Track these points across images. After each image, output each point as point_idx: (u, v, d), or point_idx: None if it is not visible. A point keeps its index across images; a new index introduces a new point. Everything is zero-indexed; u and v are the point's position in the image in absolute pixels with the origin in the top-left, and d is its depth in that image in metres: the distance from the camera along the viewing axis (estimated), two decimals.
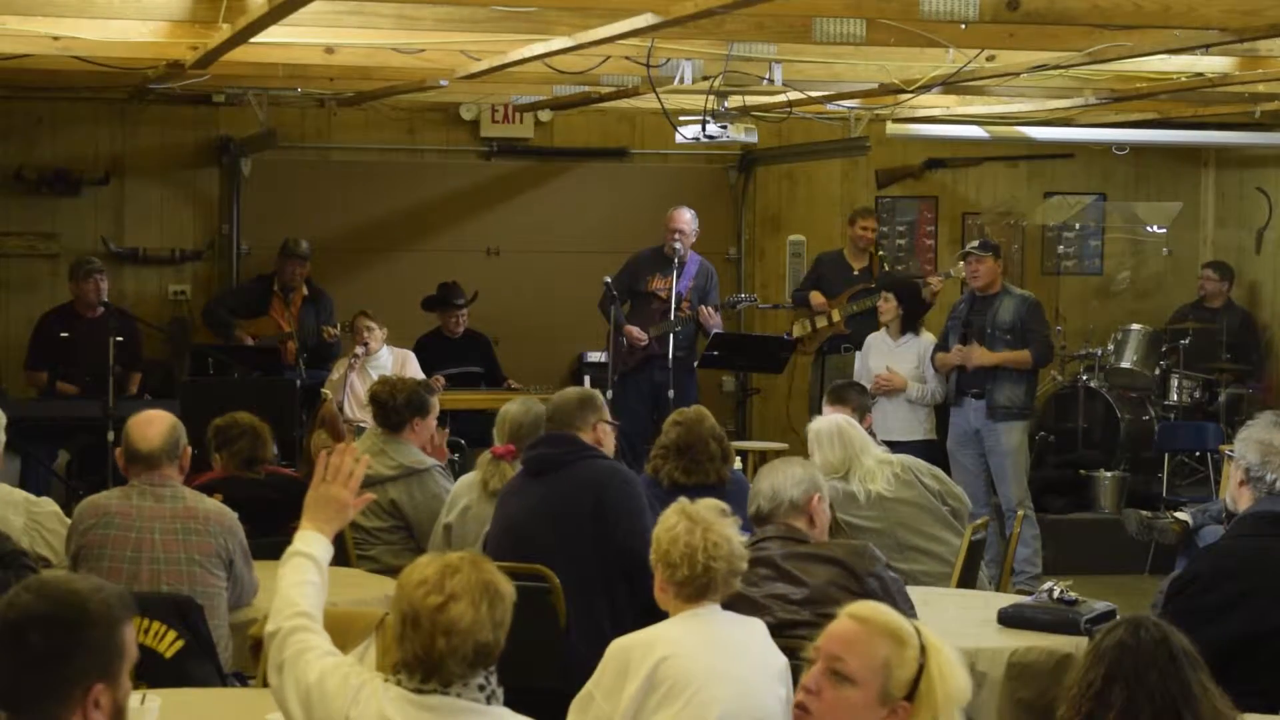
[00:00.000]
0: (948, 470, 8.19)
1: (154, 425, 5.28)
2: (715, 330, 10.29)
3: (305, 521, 3.73)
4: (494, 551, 5.55)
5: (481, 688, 3.27)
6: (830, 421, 6.64)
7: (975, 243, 9.66)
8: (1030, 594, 5.62)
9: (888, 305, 9.60)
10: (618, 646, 4.11)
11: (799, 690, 3.21)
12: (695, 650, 4.05)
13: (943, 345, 9.58)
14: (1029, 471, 9.59)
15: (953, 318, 9.62)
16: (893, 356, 9.56)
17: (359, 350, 9.89)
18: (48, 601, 2.65)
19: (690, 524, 4.16)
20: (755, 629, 4.26)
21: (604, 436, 5.95)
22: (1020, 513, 7.88)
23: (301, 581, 3.61)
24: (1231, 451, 4.96)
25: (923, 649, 3.13)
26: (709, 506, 4.24)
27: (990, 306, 9.36)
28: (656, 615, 4.27)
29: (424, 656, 3.24)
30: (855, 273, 10.65)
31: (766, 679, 4.12)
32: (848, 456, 6.46)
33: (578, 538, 5.56)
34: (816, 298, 10.61)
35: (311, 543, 3.69)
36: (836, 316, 10.50)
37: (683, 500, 4.29)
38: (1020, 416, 9.34)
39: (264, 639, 3.62)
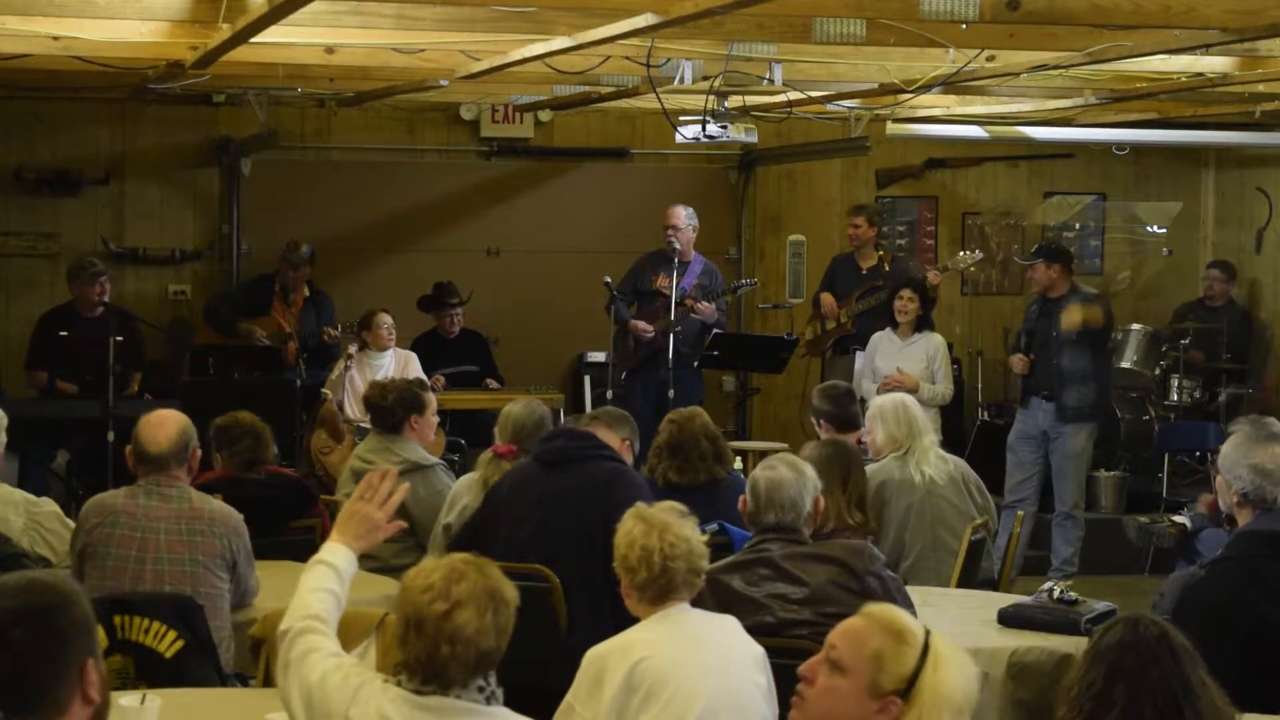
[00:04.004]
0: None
1: (164, 428, 5.27)
2: (713, 321, 10.29)
3: (335, 534, 3.81)
4: (503, 543, 5.55)
5: (481, 689, 3.28)
6: (895, 398, 6.80)
7: (1033, 249, 9.82)
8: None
9: (912, 304, 9.56)
10: (592, 655, 4.12)
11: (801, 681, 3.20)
12: (670, 649, 4.06)
13: (1016, 345, 9.72)
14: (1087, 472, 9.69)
15: (1026, 320, 9.74)
16: (901, 356, 9.52)
17: (351, 349, 9.91)
18: (25, 596, 2.64)
19: (646, 527, 4.18)
20: (726, 623, 4.28)
21: (626, 455, 5.98)
22: (1020, 512, 7.90)
23: (320, 588, 3.66)
24: (1217, 466, 4.87)
25: (925, 648, 3.09)
26: (665, 508, 4.26)
27: (1059, 309, 9.41)
28: None
29: (426, 662, 3.25)
30: (864, 272, 10.66)
31: (744, 668, 4.14)
32: (911, 434, 6.61)
33: (585, 534, 5.56)
34: (826, 299, 10.64)
35: (337, 554, 3.75)
36: (844, 317, 10.52)
37: (639, 505, 4.31)
38: (1090, 418, 9.39)
39: (276, 638, 3.64)
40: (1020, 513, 7.80)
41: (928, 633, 3.13)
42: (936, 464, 6.62)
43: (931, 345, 9.54)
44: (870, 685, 3.07)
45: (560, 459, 5.74)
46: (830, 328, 10.60)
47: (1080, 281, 9.90)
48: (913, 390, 9.30)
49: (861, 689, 3.08)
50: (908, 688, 3.06)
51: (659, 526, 4.17)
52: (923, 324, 9.59)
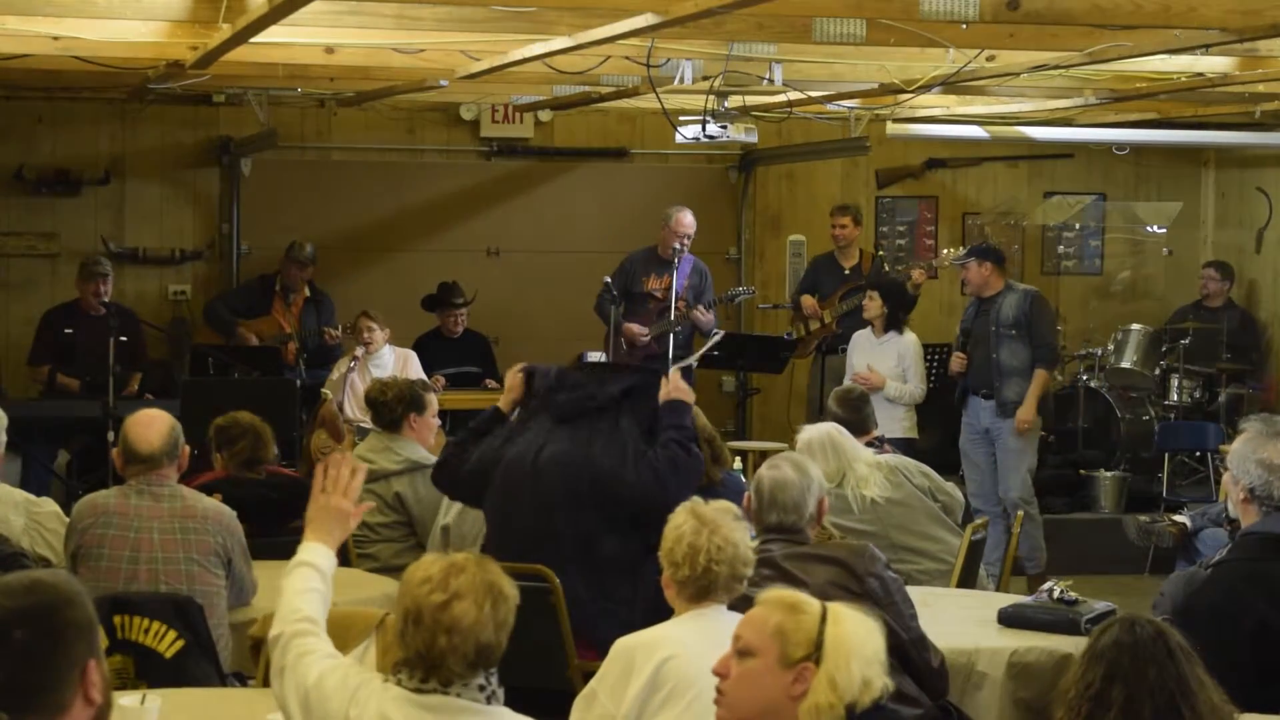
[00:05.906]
0: (940, 468, 8.16)
1: (153, 428, 5.27)
2: (714, 329, 10.29)
3: (309, 534, 3.76)
4: (496, 543, 5.54)
5: (481, 688, 3.26)
6: (821, 430, 6.59)
7: (961, 251, 9.70)
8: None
9: (873, 303, 9.63)
10: (622, 646, 4.12)
11: None
12: (699, 651, 4.03)
13: (956, 346, 9.68)
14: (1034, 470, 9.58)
15: (963, 320, 9.69)
16: (874, 354, 9.60)
17: (358, 351, 9.90)
18: (27, 596, 2.64)
19: (698, 524, 4.15)
20: None
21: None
22: (1020, 511, 7.89)
23: (305, 589, 3.63)
24: (1226, 464, 4.87)
25: (824, 612, 3.24)
26: (720, 509, 4.21)
27: (994, 306, 9.39)
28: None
29: (425, 654, 3.23)
30: (846, 272, 10.69)
31: None
32: (841, 465, 6.46)
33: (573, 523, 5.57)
34: (807, 301, 10.65)
35: (316, 553, 3.72)
36: (828, 317, 10.54)
37: (696, 499, 4.28)
38: None
39: (268, 643, 3.62)
40: (1020, 513, 7.79)
41: (823, 604, 3.28)
42: (876, 482, 6.51)
43: (903, 345, 9.59)
44: (780, 658, 3.21)
45: (572, 414, 5.78)
46: (814, 329, 10.61)
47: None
48: (879, 387, 9.35)
49: (773, 664, 3.21)
50: (816, 650, 3.19)
51: (710, 526, 4.13)
52: (894, 324, 9.61)
